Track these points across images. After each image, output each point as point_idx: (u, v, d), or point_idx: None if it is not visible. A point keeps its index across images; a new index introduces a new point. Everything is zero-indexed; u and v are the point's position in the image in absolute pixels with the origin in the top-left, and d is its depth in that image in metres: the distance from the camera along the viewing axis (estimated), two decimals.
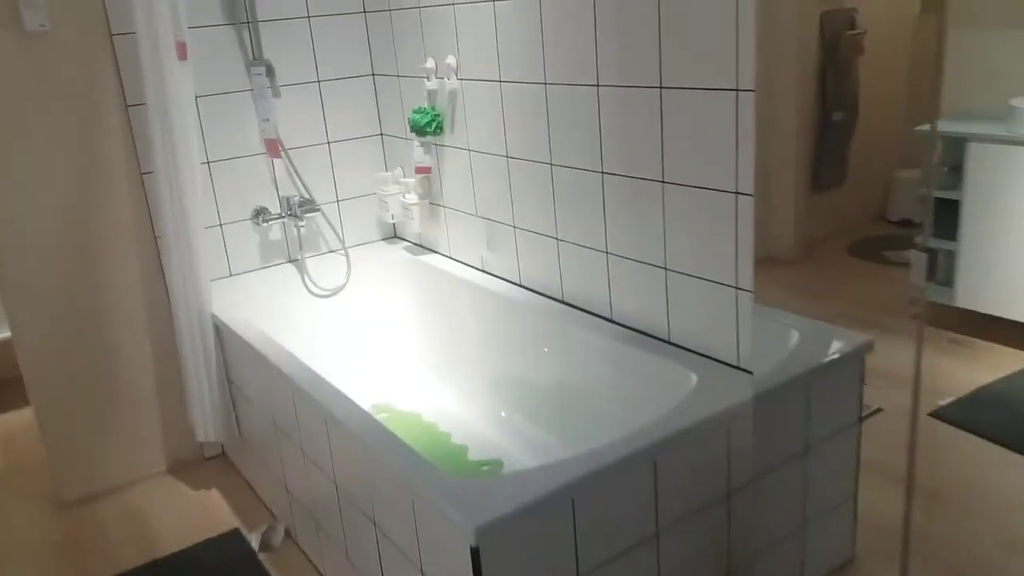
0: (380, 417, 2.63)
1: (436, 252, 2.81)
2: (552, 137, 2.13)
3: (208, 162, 2.61)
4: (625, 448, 1.49)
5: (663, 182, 1.83)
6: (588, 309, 2.18)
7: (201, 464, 2.76)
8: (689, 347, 1.87)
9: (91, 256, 2.48)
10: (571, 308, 2.23)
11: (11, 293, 2.40)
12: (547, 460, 2.23)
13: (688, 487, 1.59)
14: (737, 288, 1.71)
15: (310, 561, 2.21)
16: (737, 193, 1.65)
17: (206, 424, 2.55)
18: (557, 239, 2.22)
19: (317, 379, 1.94)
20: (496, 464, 2.31)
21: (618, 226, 2.00)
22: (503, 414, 2.48)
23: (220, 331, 2.45)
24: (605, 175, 1.99)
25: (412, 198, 2.72)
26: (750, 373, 1.71)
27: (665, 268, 1.89)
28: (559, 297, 2.28)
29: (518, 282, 2.44)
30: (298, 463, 2.10)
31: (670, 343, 1.92)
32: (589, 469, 1.44)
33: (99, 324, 2.53)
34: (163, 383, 2.66)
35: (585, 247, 2.12)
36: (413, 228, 2.76)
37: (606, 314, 2.12)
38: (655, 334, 1.97)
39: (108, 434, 2.62)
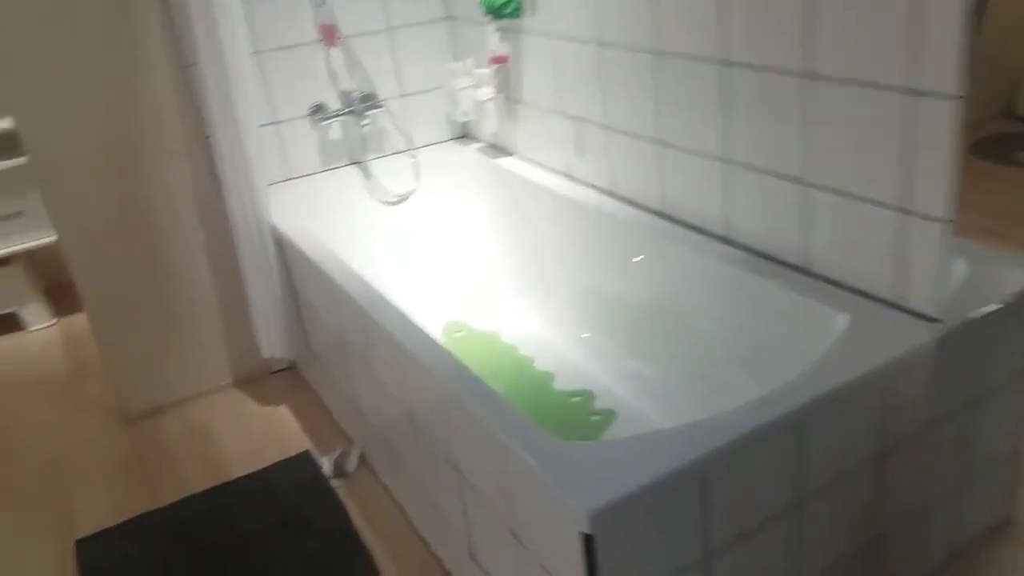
0: (455, 337, 2.42)
1: (514, 155, 2.50)
2: (656, 18, 1.78)
3: (257, 52, 2.32)
4: (769, 412, 1.23)
5: (811, 78, 1.48)
6: (695, 224, 1.88)
7: (268, 378, 2.61)
8: (836, 279, 1.57)
9: (137, 160, 2.25)
10: (673, 223, 1.93)
11: (54, 202, 2.20)
12: (642, 392, 2.08)
13: (838, 450, 1.33)
14: (930, 218, 1.39)
15: (388, 492, 2.05)
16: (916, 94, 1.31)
17: (271, 340, 2.37)
18: (659, 142, 1.90)
19: (385, 304, 1.72)
20: (587, 397, 2.08)
21: (742, 127, 1.67)
22: (586, 335, 2.23)
23: (280, 241, 2.23)
24: (726, 66, 1.65)
25: (486, 93, 2.39)
26: (924, 318, 1.41)
27: (807, 183, 1.57)
28: (658, 209, 1.98)
29: (609, 190, 2.14)
30: (371, 387, 1.90)
31: (808, 272, 1.62)
32: (727, 439, 1.19)
33: (152, 233, 2.33)
34: (224, 293, 2.48)
35: (694, 153, 1.80)
36: (487, 127, 2.45)
37: (718, 231, 1.82)
38: (786, 259, 1.67)
39: (169, 346, 2.47)
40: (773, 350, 1.64)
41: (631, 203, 2.06)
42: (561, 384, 2.14)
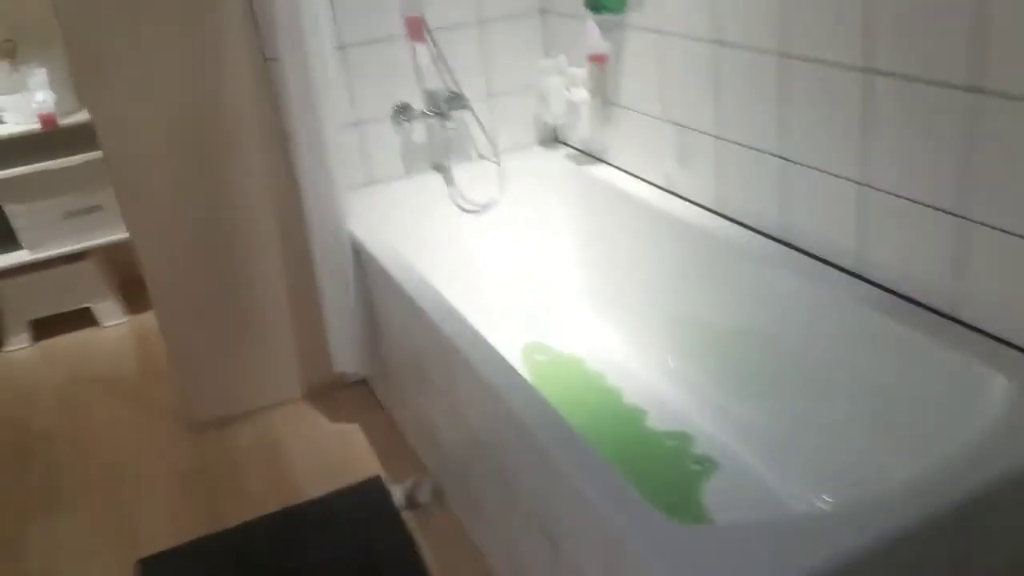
0: (537, 360, 2.24)
1: (607, 163, 2.30)
2: (786, 15, 1.56)
3: (341, 47, 2.18)
4: (927, 501, 1.02)
5: (979, 93, 1.25)
6: (819, 254, 1.66)
7: (340, 391, 2.49)
8: (993, 332, 1.34)
9: (212, 159, 2.15)
10: (790, 249, 1.71)
11: (127, 199, 2.12)
12: (745, 438, 1.80)
13: (1007, 555, 1.11)
14: None
15: (463, 532, 1.89)
16: None
17: (344, 354, 2.24)
18: (782, 157, 1.68)
19: (466, 329, 1.56)
20: (684, 440, 1.88)
21: (885, 148, 1.44)
22: (675, 364, 2.03)
23: (358, 249, 2.09)
24: (869, 74, 1.42)
25: (580, 94, 2.20)
26: None
27: (965, 218, 1.33)
28: (775, 233, 1.76)
29: (715, 208, 1.93)
30: (448, 414, 1.75)
31: (957, 321, 1.39)
32: (878, 534, 0.98)
33: (225, 236, 2.23)
34: (298, 301, 2.37)
35: (825, 173, 1.58)
36: (579, 132, 2.27)
37: (848, 264, 1.59)
38: (931, 304, 1.44)
39: (238, 354, 2.37)
40: (909, 408, 1.41)
41: (741, 224, 1.84)
42: (654, 422, 1.94)
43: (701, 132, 1.89)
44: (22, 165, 2.75)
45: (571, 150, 2.43)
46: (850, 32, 1.43)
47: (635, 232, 2.13)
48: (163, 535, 2.02)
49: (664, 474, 1.78)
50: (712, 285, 1.88)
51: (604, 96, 2.20)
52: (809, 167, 1.61)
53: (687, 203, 1.99)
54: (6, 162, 2.77)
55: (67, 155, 2.79)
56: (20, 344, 3.00)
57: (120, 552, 1.98)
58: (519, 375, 1.40)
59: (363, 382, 2.49)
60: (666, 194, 2.06)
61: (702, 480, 1.75)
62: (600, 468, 1.16)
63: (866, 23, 1.39)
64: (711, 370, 1.94)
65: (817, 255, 1.66)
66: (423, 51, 2.26)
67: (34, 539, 2.06)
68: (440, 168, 2.38)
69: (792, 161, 1.65)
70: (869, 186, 1.49)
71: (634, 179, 2.17)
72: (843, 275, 1.58)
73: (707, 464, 1.79)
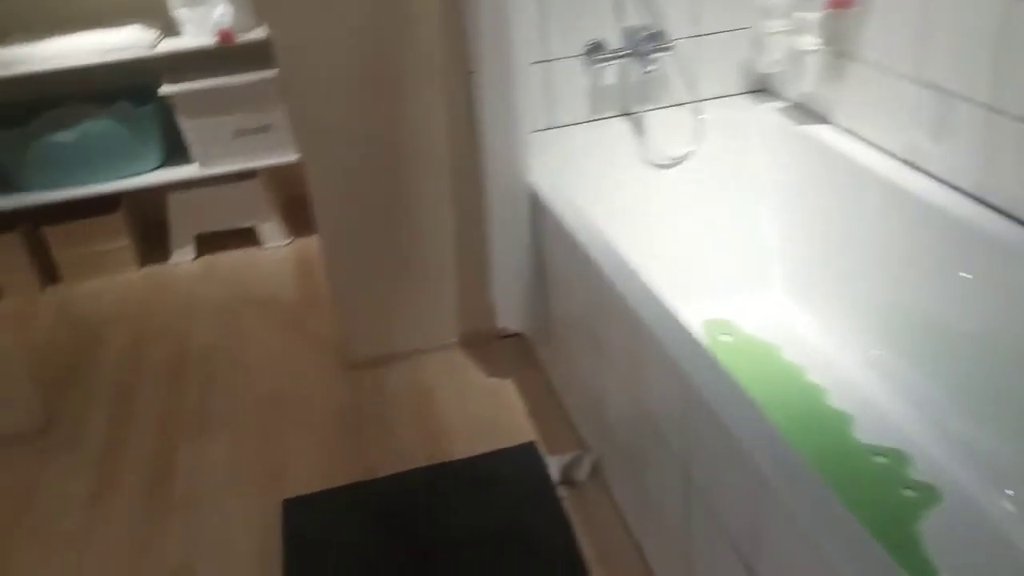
0: (721, 340, 2.01)
1: (830, 123, 1.99)
2: None
3: None
4: None
5: None
6: None
7: (495, 343, 2.36)
8: None
9: (391, 88, 1.99)
10: None
11: (300, 123, 2.00)
12: (973, 465, 1.52)
13: None
14: None
15: (624, 522, 1.73)
16: None
17: (509, 310, 2.09)
18: None
19: (651, 299, 1.36)
20: (897, 459, 1.61)
21: None
22: (884, 365, 1.75)
23: (535, 201, 1.91)
24: None
25: (808, 42, 1.89)
26: None
27: None
28: None
29: (974, 192, 1.60)
30: (619, 389, 1.56)
31: None
32: None
33: (397, 171, 2.09)
34: (463, 246, 2.23)
35: None
36: (799, 85, 1.96)
37: None
38: None
39: (400, 294, 2.26)
40: None
41: (1011, 217, 1.52)
42: (861, 432, 1.68)
43: (969, 100, 1.55)
44: (198, 80, 2.71)
45: (783, 104, 2.12)
46: None
47: (859, 207, 1.83)
48: (309, 474, 1.97)
49: (872, 497, 1.54)
50: (957, 283, 1.58)
51: (839, 47, 1.88)
52: None
53: (938, 183, 1.67)
54: (183, 76, 2.74)
55: (242, 72, 2.73)
56: (184, 257, 3.04)
57: (264, 487, 1.94)
58: (716, 362, 1.19)
59: (520, 335, 2.34)
60: (908, 169, 1.74)
61: (919, 512, 1.49)
62: (817, 489, 0.96)
63: None
64: (937, 379, 1.65)
65: None
66: None
67: (183, 461, 2.05)
68: (629, 114, 2.14)
69: None
70: None
71: (866, 146, 1.85)
72: None
73: (925, 492, 1.52)
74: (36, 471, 2.07)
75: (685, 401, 1.25)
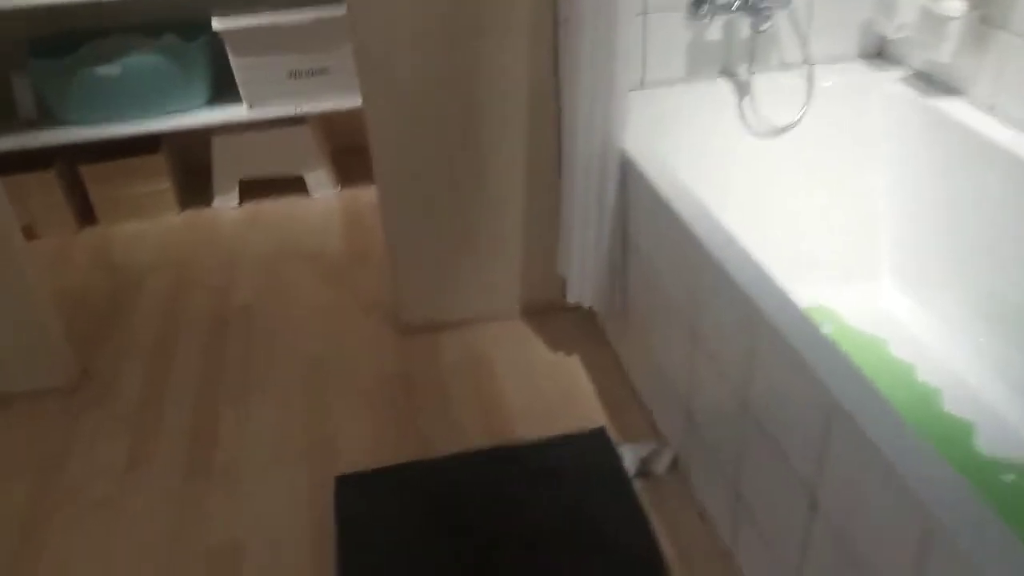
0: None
1: (965, 96, 1.77)
2: None
3: None
4: None
5: None
6: None
7: (559, 315, 2.18)
8: None
9: (469, 35, 1.80)
10: None
11: (367, 67, 1.82)
12: None
13: None
14: None
15: (707, 521, 1.57)
16: None
17: (584, 286, 1.91)
18: None
19: (763, 279, 1.20)
20: (1021, 475, 1.44)
21: None
22: (1010, 371, 1.56)
23: (626, 167, 1.72)
24: None
25: (953, 8, 1.67)
26: None
27: None
28: None
29: None
30: (717, 379, 1.40)
31: None
32: None
33: (468, 125, 1.91)
34: (534, 209, 2.05)
35: None
36: (938, 53, 1.74)
37: None
38: None
39: (462, 257, 2.09)
40: None
41: None
42: (985, 444, 1.50)
43: None
44: (253, 15, 2.53)
45: (907, 73, 1.90)
46: None
47: (989, 191, 1.63)
48: (360, 446, 1.83)
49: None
50: None
51: (985, 12, 1.66)
52: None
53: None
54: (236, 10, 2.56)
55: (301, 9, 2.54)
56: (228, 204, 2.88)
57: (312, 459, 1.80)
58: (855, 364, 1.02)
59: (586, 310, 2.17)
60: None
61: None
62: (991, 525, 0.81)
63: None
64: None
65: None
66: None
67: (225, 427, 1.91)
68: (732, 75, 1.93)
69: None
70: None
71: (1005, 124, 1.65)
72: None
73: None
74: (68, 432, 1.93)
75: (817, 408, 1.08)
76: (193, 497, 1.74)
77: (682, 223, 1.44)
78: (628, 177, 1.72)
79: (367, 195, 2.86)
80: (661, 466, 1.71)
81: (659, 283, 1.65)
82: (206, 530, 1.66)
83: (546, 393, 1.95)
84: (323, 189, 2.90)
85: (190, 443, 1.87)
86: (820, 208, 1.96)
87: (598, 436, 1.82)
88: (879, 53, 1.98)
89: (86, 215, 2.82)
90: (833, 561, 1.11)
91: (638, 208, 1.71)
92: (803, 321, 1.16)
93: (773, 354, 1.19)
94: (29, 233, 2.70)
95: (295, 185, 2.92)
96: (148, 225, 2.81)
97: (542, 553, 1.54)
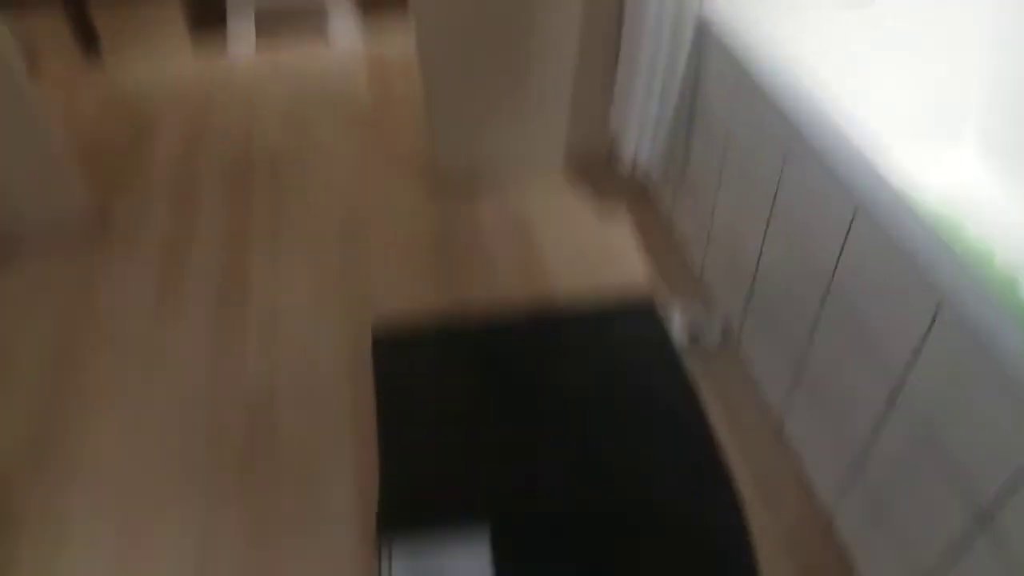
0: None
1: None
2: None
3: None
4: None
5: None
6: None
7: (606, 171, 2.06)
8: None
9: None
10: None
11: None
12: None
13: None
14: None
15: (758, 392, 1.53)
16: None
17: (642, 151, 1.79)
18: None
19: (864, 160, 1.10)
20: None
21: None
22: None
23: (702, 30, 1.57)
24: None
25: None
26: None
27: None
28: None
29: None
30: (781, 240, 1.33)
31: None
32: None
33: None
34: (586, 63, 1.90)
35: None
36: None
37: None
38: None
39: (505, 109, 1.95)
40: None
41: None
42: None
43: None
44: None
45: None
46: None
47: None
48: (397, 301, 1.75)
49: None
50: None
51: None
52: None
53: None
54: None
55: None
56: (244, 47, 2.68)
57: (348, 309, 1.73)
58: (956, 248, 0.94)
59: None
60: None
61: None
62: None
63: None
64: None
65: None
66: None
67: (256, 276, 1.83)
68: None
69: None
70: None
71: None
72: None
73: None
74: (95, 276, 1.84)
75: (923, 295, 1.00)
76: (227, 344, 1.67)
77: (765, 92, 1.31)
78: (705, 44, 1.57)
79: (393, 41, 2.67)
80: (712, 336, 1.65)
81: (734, 151, 1.53)
82: (242, 376, 1.60)
83: (589, 251, 1.85)
84: (346, 35, 2.70)
85: (220, 291, 1.79)
86: (921, 81, 1.78)
87: (645, 301, 1.75)
88: None
89: (92, 47, 2.63)
90: (913, 442, 1.06)
91: (714, 76, 1.56)
92: (903, 199, 1.06)
93: (871, 234, 1.10)
94: (33, 69, 2.53)
95: (315, 34, 2.71)
96: (160, 66, 2.62)
97: (590, 420, 1.49)
